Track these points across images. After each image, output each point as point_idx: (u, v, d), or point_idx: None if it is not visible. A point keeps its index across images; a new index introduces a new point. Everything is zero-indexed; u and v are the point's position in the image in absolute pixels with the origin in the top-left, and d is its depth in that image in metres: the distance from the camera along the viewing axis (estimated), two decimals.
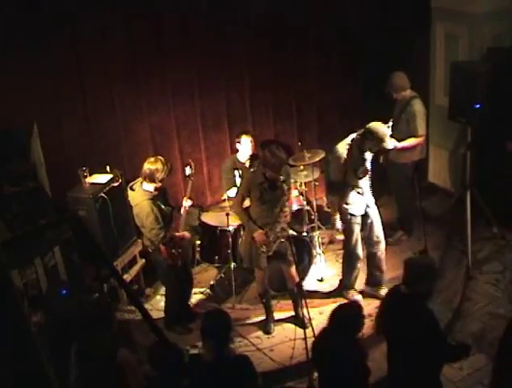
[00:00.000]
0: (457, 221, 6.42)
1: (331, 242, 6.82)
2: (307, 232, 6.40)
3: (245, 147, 6.25)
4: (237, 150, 6.35)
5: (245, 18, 6.50)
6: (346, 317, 4.00)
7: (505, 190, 6.36)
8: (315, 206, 6.53)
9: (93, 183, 5.64)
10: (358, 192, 5.51)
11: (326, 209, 7.40)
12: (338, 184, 5.51)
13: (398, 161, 6.30)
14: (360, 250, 5.72)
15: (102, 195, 5.54)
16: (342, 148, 5.42)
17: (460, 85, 5.90)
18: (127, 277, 5.78)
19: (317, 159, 6.37)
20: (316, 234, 6.46)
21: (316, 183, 6.58)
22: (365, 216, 5.62)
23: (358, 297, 5.86)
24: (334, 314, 4.04)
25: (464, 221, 6.11)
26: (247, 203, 5.38)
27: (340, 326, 3.97)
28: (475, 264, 6.16)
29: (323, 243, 6.63)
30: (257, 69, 6.74)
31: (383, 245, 5.78)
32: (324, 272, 6.30)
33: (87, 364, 3.70)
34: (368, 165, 5.49)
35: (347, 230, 5.67)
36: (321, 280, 6.21)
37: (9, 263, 4.28)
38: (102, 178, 5.72)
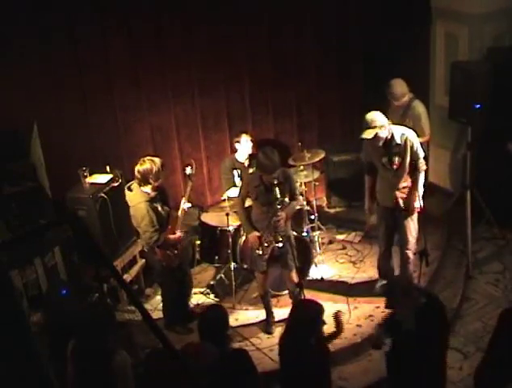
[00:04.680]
0: (457, 221, 6.41)
1: (331, 242, 6.82)
2: (307, 232, 6.39)
3: (244, 147, 6.25)
4: (237, 150, 6.35)
5: (244, 18, 6.51)
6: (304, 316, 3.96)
7: (505, 190, 6.35)
8: (315, 206, 6.53)
9: (93, 183, 5.64)
10: (386, 183, 5.38)
11: (326, 209, 7.41)
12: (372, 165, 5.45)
13: None
14: (381, 242, 5.65)
15: (102, 195, 5.54)
16: (368, 134, 5.10)
17: (460, 85, 5.89)
18: (127, 277, 5.78)
19: (317, 159, 6.37)
20: (316, 234, 6.45)
21: (316, 183, 6.57)
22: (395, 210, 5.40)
23: None
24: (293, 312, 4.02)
25: (464, 221, 6.10)
26: (249, 202, 5.37)
27: (296, 324, 3.93)
28: (475, 264, 6.15)
29: (323, 243, 6.62)
30: (257, 69, 6.74)
31: (407, 248, 5.51)
32: (324, 272, 6.29)
33: (82, 362, 3.71)
34: (387, 158, 5.23)
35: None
36: (321, 280, 6.20)
37: (9, 263, 4.29)
38: (102, 178, 5.72)
